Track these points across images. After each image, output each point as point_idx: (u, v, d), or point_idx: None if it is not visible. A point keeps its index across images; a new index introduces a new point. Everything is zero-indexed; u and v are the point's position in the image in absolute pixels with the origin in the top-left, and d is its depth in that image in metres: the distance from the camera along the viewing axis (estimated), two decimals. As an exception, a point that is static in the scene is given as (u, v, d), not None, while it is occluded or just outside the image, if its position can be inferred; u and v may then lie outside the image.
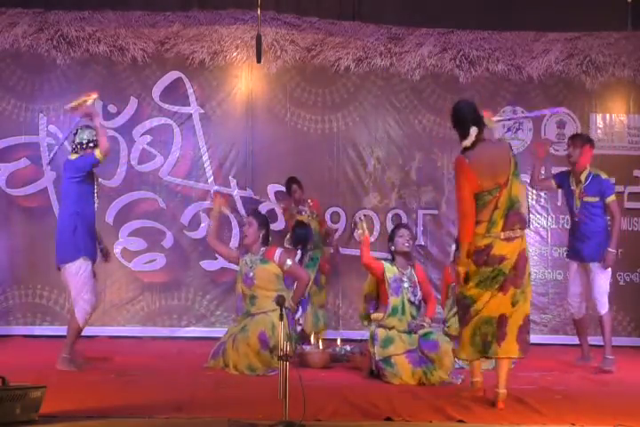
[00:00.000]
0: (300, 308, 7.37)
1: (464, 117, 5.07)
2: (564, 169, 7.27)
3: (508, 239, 4.96)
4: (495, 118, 5.47)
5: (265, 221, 6.69)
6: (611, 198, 6.82)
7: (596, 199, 6.81)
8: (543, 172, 7.43)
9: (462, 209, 4.98)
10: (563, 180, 7.04)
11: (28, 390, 4.27)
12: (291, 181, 8.18)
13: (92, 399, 4.83)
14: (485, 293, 4.97)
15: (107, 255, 6.68)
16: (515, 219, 4.99)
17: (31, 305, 8.25)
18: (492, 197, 4.94)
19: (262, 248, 6.53)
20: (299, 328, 7.28)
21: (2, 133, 8.35)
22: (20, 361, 6.38)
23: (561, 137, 8.71)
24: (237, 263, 6.66)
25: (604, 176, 6.86)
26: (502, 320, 4.96)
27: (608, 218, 6.93)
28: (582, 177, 6.83)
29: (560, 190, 7.44)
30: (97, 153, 6.20)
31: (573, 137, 7.14)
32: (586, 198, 6.81)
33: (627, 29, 8.68)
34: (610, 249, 6.75)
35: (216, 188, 8.47)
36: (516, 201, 5.02)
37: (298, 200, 8.17)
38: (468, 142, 5.01)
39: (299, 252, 7.66)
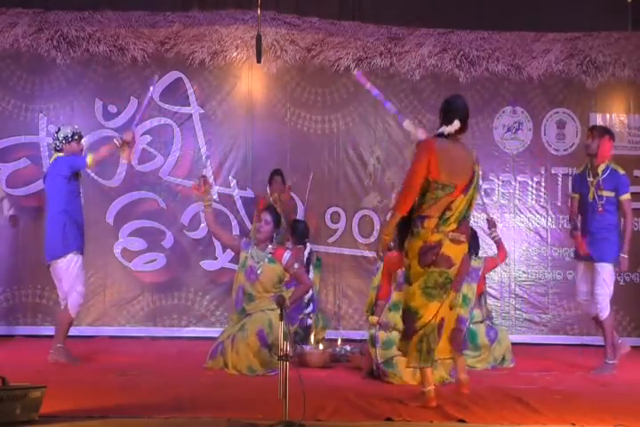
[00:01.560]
0: (312, 304, 7.38)
1: (457, 109, 5.01)
2: (570, 170, 7.26)
3: (454, 241, 4.90)
4: None
5: (279, 219, 6.68)
6: (625, 196, 6.63)
7: (612, 194, 6.62)
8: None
9: (409, 183, 4.86)
10: (578, 180, 6.87)
11: (28, 390, 4.26)
12: (274, 173, 8.15)
13: (92, 399, 4.82)
14: (432, 303, 4.87)
15: None
16: (464, 229, 4.98)
17: (32, 305, 8.26)
18: (445, 195, 4.85)
19: (270, 246, 6.50)
20: (309, 321, 7.29)
21: (2, 133, 8.36)
22: (21, 361, 6.39)
23: (561, 137, 8.71)
24: (237, 250, 6.60)
25: (621, 172, 6.68)
26: (441, 324, 4.98)
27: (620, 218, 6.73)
28: (600, 169, 6.64)
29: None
30: (89, 159, 6.48)
31: (592, 128, 6.98)
32: (601, 192, 6.62)
33: (627, 29, 8.71)
34: (623, 255, 6.57)
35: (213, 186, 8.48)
36: (470, 214, 5.04)
37: (273, 193, 8.10)
38: (447, 130, 4.94)
39: (308, 245, 7.63)
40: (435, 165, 4.82)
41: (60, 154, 6.57)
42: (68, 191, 6.48)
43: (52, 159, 6.69)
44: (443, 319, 4.97)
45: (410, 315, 4.94)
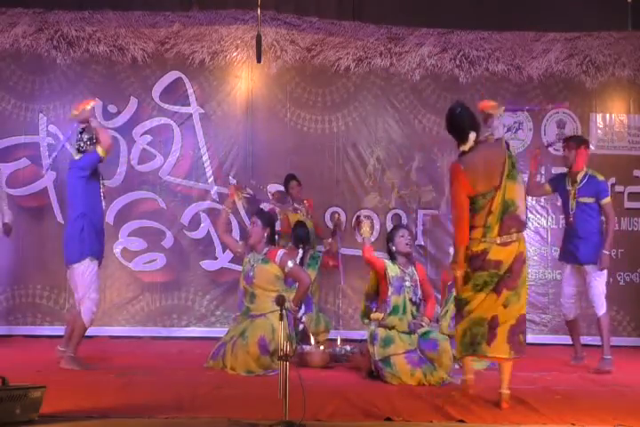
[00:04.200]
0: (304, 306, 7.38)
1: (462, 124, 5.04)
2: (560, 171, 7.33)
3: (504, 244, 4.96)
4: (497, 108, 5.35)
5: (269, 220, 6.68)
6: (606, 200, 6.82)
7: (592, 200, 6.81)
8: (540, 178, 7.42)
9: (457, 214, 5.04)
10: (557, 183, 7.06)
11: (28, 390, 4.26)
12: (290, 178, 8.16)
13: (92, 399, 4.82)
14: (480, 294, 5.01)
15: None
16: (510, 223, 4.97)
17: (31, 305, 8.26)
18: (486, 201, 4.94)
19: (266, 248, 6.53)
20: (300, 326, 7.28)
21: (2, 133, 8.36)
22: (21, 361, 6.38)
23: (561, 137, 8.71)
24: (241, 257, 6.68)
25: (600, 178, 6.86)
26: (493, 321, 4.98)
27: (603, 219, 6.91)
28: (578, 177, 6.84)
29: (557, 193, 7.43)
30: (99, 150, 6.28)
31: (568, 139, 7.13)
32: (581, 199, 6.81)
33: (627, 29, 8.70)
34: (604, 251, 6.75)
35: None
36: (511, 204, 4.98)
37: (295, 197, 8.13)
38: (466, 147, 5.03)
39: (300, 251, 7.68)
40: (469, 184, 4.93)
41: (80, 155, 6.34)
42: (86, 193, 6.27)
43: (71, 161, 6.45)
44: (496, 318, 4.97)
45: (460, 303, 5.14)
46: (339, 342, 7.25)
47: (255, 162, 8.55)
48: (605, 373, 6.53)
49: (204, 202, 8.50)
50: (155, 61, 8.56)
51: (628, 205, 8.63)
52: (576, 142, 6.96)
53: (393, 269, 6.10)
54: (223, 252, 8.40)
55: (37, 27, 8.43)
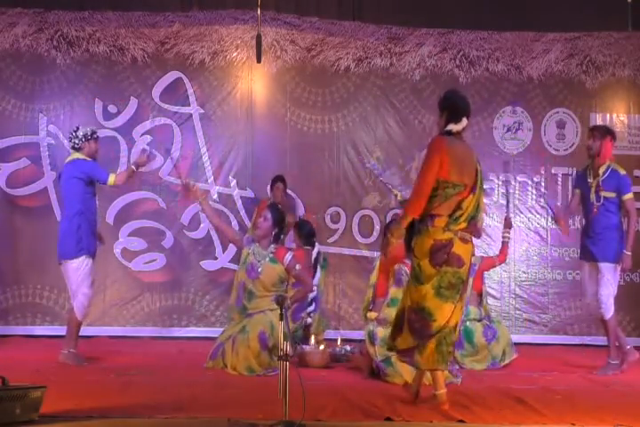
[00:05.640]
0: (314, 303, 7.36)
1: (464, 106, 4.93)
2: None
3: (463, 240, 4.84)
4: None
5: (281, 219, 6.60)
6: (628, 196, 6.58)
7: (613, 195, 6.57)
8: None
9: (421, 188, 4.74)
10: (580, 179, 6.83)
11: (28, 390, 4.26)
12: (277, 179, 8.17)
13: (92, 399, 4.82)
14: (446, 305, 4.78)
15: (101, 239, 6.84)
16: (472, 228, 4.93)
17: (31, 305, 8.26)
18: (455, 193, 4.78)
19: (272, 245, 6.49)
20: (309, 320, 7.27)
21: (2, 133, 8.36)
22: (20, 361, 6.38)
23: (561, 137, 8.72)
24: (239, 246, 6.61)
25: (622, 172, 6.62)
26: (456, 328, 4.92)
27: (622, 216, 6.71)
28: (600, 170, 6.59)
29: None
30: (111, 178, 6.49)
31: (594, 128, 6.90)
32: (602, 193, 6.56)
33: (627, 29, 8.70)
34: (626, 252, 6.54)
35: (218, 188, 8.48)
36: (478, 214, 4.96)
37: (275, 199, 8.06)
38: (456, 128, 4.85)
39: (317, 245, 7.59)
40: (446, 165, 4.73)
41: (79, 155, 6.50)
42: (84, 193, 6.45)
43: (70, 159, 6.56)
44: (457, 325, 4.90)
45: (423, 316, 4.80)
46: (339, 342, 7.25)
47: (255, 162, 8.55)
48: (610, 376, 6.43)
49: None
50: (155, 61, 8.56)
51: (628, 204, 8.61)
52: (601, 132, 6.67)
53: None
54: (223, 252, 8.40)
55: (37, 27, 8.43)
